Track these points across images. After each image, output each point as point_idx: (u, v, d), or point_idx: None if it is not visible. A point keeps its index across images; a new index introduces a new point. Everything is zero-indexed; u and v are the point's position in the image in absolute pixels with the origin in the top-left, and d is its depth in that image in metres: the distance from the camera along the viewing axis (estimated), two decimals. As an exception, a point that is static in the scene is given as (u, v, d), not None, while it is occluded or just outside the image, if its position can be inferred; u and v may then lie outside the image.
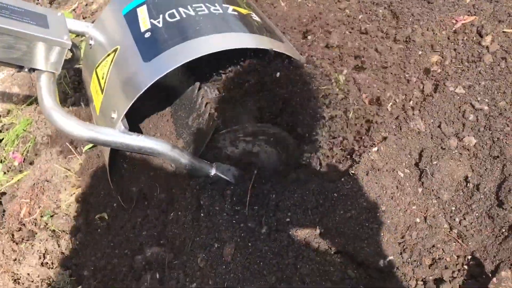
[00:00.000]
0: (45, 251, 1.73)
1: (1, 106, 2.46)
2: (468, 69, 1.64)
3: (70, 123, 1.36)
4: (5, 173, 2.20)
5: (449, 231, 1.41)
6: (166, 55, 1.45)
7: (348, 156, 1.60)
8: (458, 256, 1.38)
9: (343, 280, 1.30)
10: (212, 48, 1.44)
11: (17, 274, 1.67)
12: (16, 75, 2.51)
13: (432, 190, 1.46)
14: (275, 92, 1.64)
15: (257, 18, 1.72)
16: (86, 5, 2.87)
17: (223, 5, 1.66)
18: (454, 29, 1.77)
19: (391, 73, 1.76)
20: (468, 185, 1.44)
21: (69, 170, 1.97)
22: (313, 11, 2.20)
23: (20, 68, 1.45)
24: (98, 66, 1.65)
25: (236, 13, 1.65)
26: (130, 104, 1.41)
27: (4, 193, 2.13)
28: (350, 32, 1.97)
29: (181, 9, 1.59)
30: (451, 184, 1.45)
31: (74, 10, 2.88)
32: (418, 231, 1.41)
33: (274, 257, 1.39)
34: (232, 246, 1.43)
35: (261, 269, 1.38)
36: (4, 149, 2.29)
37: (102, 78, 1.59)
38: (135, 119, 1.49)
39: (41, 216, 1.84)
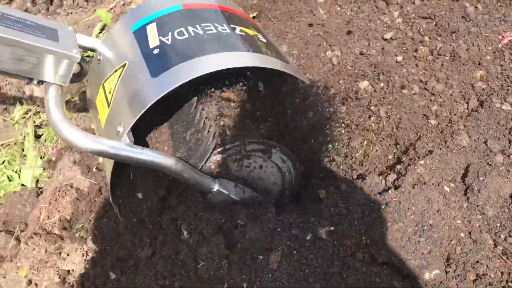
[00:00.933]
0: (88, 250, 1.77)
1: (40, 101, 2.51)
2: (514, 86, 1.65)
3: (76, 135, 1.38)
4: (44, 169, 2.24)
5: (494, 248, 1.42)
6: (174, 71, 1.46)
7: (394, 169, 1.61)
8: (502, 273, 1.38)
9: (390, 292, 1.31)
10: (217, 66, 1.45)
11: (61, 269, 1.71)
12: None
13: (477, 206, 1.47)
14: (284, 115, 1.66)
15: (263, 39, 1.74)
16: (124, 4, 2.91)
17: (231, 25, 1.68)
18: (500, 45, 1.77)
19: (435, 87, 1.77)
20: (513, 202, 1.45)
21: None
22: (353, 20, 2.21)
23: (30, 80, 1.48)
24: (105, 80, 1.67)
25: (243, 33, 1.67)
26: (136, 118, 1.41)
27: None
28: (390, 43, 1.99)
29: (190, 28, 1.61)
30: (497, 200, 1.46)
31: (112, 9, 2.92)
32: (462, 246, 1.42)
33: (319, 265, 1.41)
34: (278, 254, 1.45)
35: (306, 277, 1.40)
36: (44, 145, 2.34)
37: (110, 93, 1.60)
38: (135, 132, 1.50)
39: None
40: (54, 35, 1.52)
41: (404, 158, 1.63)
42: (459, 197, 1.50)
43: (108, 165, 1.64)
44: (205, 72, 1.43)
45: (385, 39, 2.05)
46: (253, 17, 2.41)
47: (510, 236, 1.41)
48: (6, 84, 2.76)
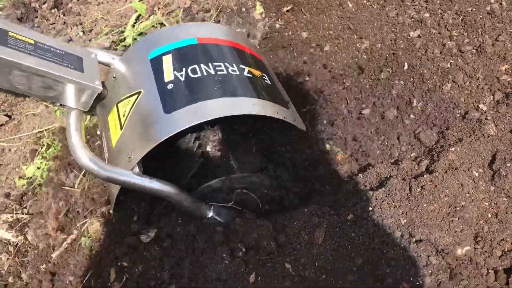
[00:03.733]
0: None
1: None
2: (537, 79, 1.79)
3: (92, 163, 1.54)
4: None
5: (518, 227, 1.57)
6: (185, 111, 1.57)
7: (428, 155, 1.76)
8: (525, 250, 1.54)
9: (427, 266, 1.47)
10: (223, 112, 1.57)
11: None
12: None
13: (503, 190, 1.62)
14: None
15: (268, 81, 1.85)
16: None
17: (240, 66, 1.78)
18: (525, 41, 1.91)
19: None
20: (537, 186, 1.60)
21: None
22: (380, 14, 2.34)
23: (53, 103, 1.62)
24: (120, 101, 1.77)
25: (250, 75, 1.78)
26: (146, 152, 1.53)
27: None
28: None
29: (202, 66, 1.71)
30: (522, 185, 1.61)
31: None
32: (489, 225, 1.57)
33: (360, 241, 1.57)
34: (322, 230, 1.61)
35: (348, 252, 1.56)
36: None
37: (123, 116, 1.71)
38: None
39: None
40: (80, 64, 1.65)
41: (435, 146, 1.78)
42: (487, 181, 1.65)
43: (114, 190, 1.75)
44: (214, 117, 1.55)
45: (412, 33, 2.18)
46: (287, 11, 2.54)
47: (533, 217, 1.56)
48: (44, 72, 2.89)
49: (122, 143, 1.69)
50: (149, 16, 2.83)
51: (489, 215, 1.59)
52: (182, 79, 1.67)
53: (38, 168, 2.35)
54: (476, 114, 1.80)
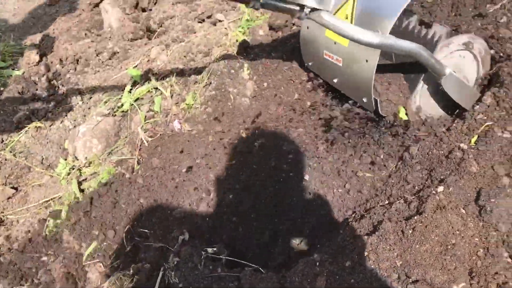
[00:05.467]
0: None
1: (83, 157, 2.75)
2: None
3: (365, 32, 1.80)
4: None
5: (510, 259, 1.64)
6: None
7: (416, 196, 1.85)
8: (519, 281, 1.61)
9: (425, 305, 1.54)
10: None
11: None
12: (94, 128, 2.81)
13: (491, 224, 1.70)
14: None
15: None
16: (148, 61, 3.19)
17: None
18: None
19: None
20: (522, 218, 1.68)
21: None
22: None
23: (301, 9, 1.89)
24: (335, 12, 2.08)
25: None
26: (394, 21, 1.88)
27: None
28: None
29: None
30: (508, 218, 1.69)
31: (137, 66, 3.21)
32: (482, 260, 1.64)
33: (360, 286, 1.63)
34: (323, 279, 1.68)
35: (350, 297, 1.63)
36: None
37: (347, 18, 2.02)
38: None
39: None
40: None
41: (423, 187, 1.87)
42: (474, 217, 1.73)
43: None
44: None
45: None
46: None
47: (522, 248, 1.63)
48: (48, 142, 3.02)
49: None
50: (144, 82, 2.99)
51: (481, 250, 1.67)
52: None
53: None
54: (459, 154, 1.90)
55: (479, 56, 2.18)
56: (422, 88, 2.23)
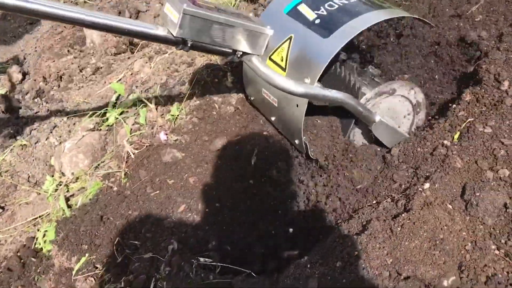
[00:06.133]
0: None
1: (70, 172, 2.74)
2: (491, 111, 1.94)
3: (287, 82, 1.83)
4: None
5: (497, 251, 1.67)
6: (341, 31, 1.91)
7: (403, 194, 1.87)
8: (508, 272, 1.63)
9: (417, 301, 1.55)
10: (373, 21, 1.94)
11: None
12: (79, 143, 2.79)
13: (478, 218, 1.72)
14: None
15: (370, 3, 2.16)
16: (132, 74, 3.19)
17: None
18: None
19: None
20: (507, 210, 1.71)
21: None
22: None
23: (233, 53, 1.92)
24: (272, 54, 2.07)
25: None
26: (323, 69, 1.87)
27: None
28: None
29: (335, 0, 2.07)
30: (494, 211, 1.72)
31: (121, 80, 3.21)
32: (471, 254, 1.66)
33: (352, 286, 1.64)
34: (315, 281, 1.69)
35: (342, 297, 1.63)
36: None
37: (282, 61, 2.02)
38: None
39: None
40: (249, 19, 1.97)
41: (409, 184, 1.90)
42: (461, 212, 1.75)
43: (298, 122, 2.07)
44: (367, 26, 1.91)
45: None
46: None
47: (509, 240, 1.65)
48: (33, 160, 2.99)
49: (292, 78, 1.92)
50: (128, 95, 2.99)
51: (469, 244, 1.69)
52: (325, 13, 2.04)
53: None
54: (442, 151, 1.93)
55: (414, 100, 2.22)
56: (354, 131, 2.29)
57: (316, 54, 1.93)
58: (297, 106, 2.04)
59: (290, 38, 2.03)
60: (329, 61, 1.88)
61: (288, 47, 2.02)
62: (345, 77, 2.17)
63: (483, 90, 2.03)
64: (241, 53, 1.91)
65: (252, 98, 2.52)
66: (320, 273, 1.70)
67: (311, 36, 1.99)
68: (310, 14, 2.05)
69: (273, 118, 2.36)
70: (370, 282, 1.62)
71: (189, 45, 1.80)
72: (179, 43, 1.81)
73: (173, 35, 1.75)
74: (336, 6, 2.05)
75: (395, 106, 2.17)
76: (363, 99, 2.07)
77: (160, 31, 1.77)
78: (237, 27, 1.83)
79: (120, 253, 2.09)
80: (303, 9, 2.09)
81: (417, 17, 2.20)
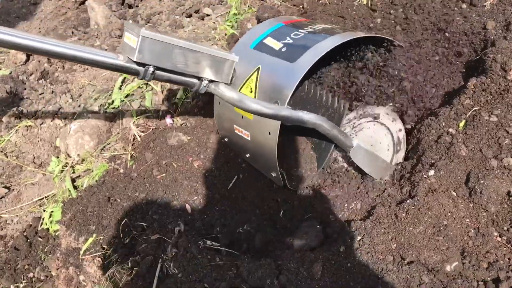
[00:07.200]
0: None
1: (75, 154, 2.76)
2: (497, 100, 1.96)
3: (259, 104, 1.79)
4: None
5: (499, 238, 1.70)
6: (308, 54, 1.90)
7: (408, 181, 1.90)
8: (509, 259, 1.66)
9: (420, 285, 1.58)
10: (336, 43, 1.92)
11: None
12: (85, 124, 2.81)
13: (481, 205, 1.75)
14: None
15: (336, 30, 2.17)
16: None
17: (315, 26, 2.20)
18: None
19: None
20: (511, 198, 1.73)
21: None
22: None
23: (199, 81, 1.86)
24: (241, 88, 2.05)
25: (328, 26, 2.22)
26: (292, 91, 1.83)
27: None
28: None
29: (300, 30, 2.12)
30: (497, 198, 1.75)
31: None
32: (473, 240, 1.70)
33: (357, 270, 1.68)
34: (319, 265, 1.72)
35: (347, 281, 1.67)
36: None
37: (251, 92, 2.00)
38: None
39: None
40: (213, 47, 1.94)
41: (414, 171, 1.92)
42: (465, 199, 1.78)
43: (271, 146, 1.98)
44: (331, 48, 1.89)
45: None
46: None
47: (511, 227, 1.69)
48: (39, 141, 3.01)
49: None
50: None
51: (472, 230, 1.72)
52: (291, 41, 2.06)
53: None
54: (447, 138, 1.95)
55: (395, 136, 2.14)
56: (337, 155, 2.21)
57: (285, 77, 1.91)
58: (269, 134, 1.96)
59: (258, 69, 2.00)
60: (299, 79, 1.83)
61: (257, 78, 1.99)
62: (324, 98, 2.11)
63: (489, 79, 2.04)
64: (207, 81, 1.85)
65: (226, 140, 2.44)
66: (324, 258, 1.73)
67: (279, 63, 1.97)
68: (277, 45, 2.06)
69: (247, 155, 2.28)
70: (375, 266, 1.65)
71: (150, 71, 1.72)
72: (140, 72, 1.72)
73: (132, 60, 1.67)
74: (302, 34, 2.08)
75: (377, 136, 2.10)
76: (346, 119, 2.04)
77: (121, 60, 1.69)
78: (199, 51, 1.77)
79: (127, 234, 2.12)
80: (270, 41, 2.11)
81: (385, 36, 2.18)
